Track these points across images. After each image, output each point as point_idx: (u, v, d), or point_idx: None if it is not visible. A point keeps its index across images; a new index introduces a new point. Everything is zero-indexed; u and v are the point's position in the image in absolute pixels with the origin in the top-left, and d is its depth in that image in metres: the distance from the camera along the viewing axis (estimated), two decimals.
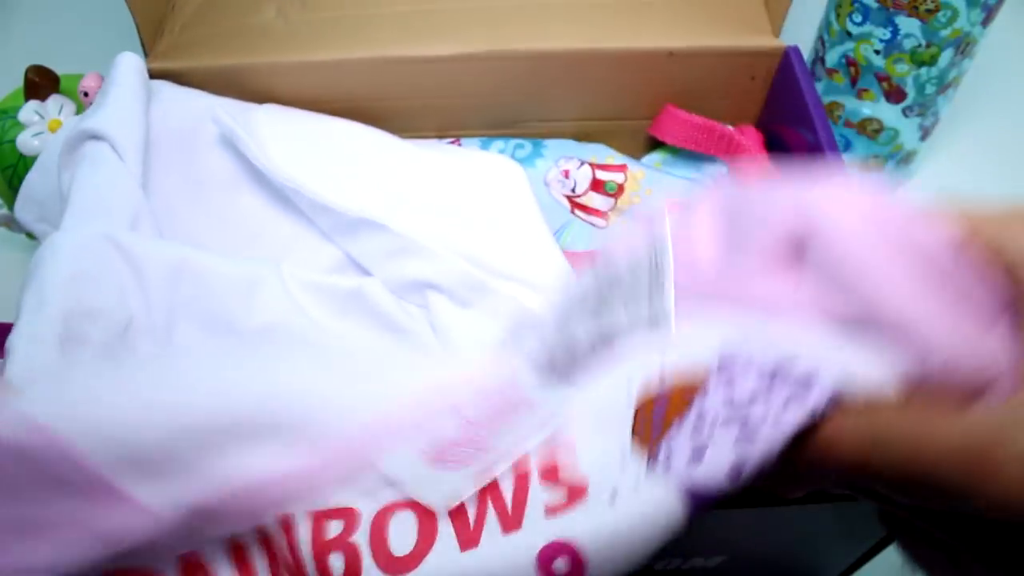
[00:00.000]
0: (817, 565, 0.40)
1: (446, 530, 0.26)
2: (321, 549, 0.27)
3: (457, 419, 0.27)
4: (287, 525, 0.26)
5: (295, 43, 0.48)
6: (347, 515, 0.27)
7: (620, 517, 0.25)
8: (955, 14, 0.46)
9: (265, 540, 0.27)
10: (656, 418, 0.26)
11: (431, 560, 0.26)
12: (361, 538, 0.27)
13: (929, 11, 0.47)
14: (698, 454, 0.25)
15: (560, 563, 0.25)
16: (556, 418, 0.27)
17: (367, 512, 0.27)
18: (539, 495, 0.26)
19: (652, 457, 0.25)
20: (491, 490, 0.26)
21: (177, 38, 0.48)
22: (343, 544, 0.27)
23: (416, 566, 0.26)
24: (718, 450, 0.25)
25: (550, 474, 0.26)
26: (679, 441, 0.26)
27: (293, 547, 0.26)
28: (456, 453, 0.27)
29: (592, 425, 0.26)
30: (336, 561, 0.27)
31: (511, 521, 0.26)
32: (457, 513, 0.26)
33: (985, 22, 0.47)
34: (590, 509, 0.25)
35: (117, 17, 0.51)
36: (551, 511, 0.26)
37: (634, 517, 0.24)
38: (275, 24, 0.49)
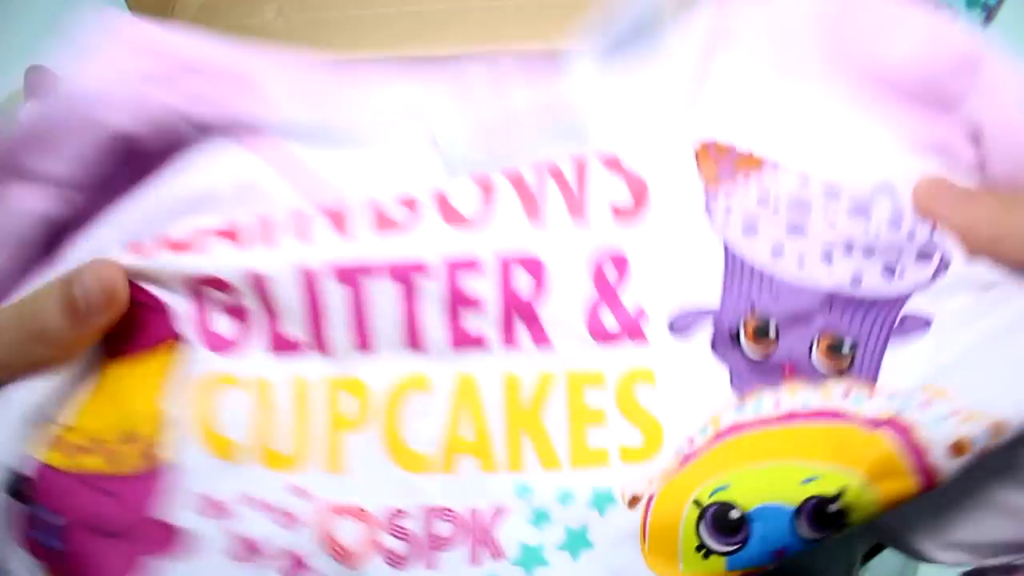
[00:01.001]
0: (817, 565, 0.40)
1: (507, 192, 0.27)
2: None
3: None
4: None
5: (295, 44, 0.47)
6: None
7: (669, 249, 0.28)
8: (955, 14, 0.46)
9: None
10: (726, 159, 0.28)
11: (492, 226, 0.27)
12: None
13: None
14: (750, 225, 0.28)
15: (611, 272, 0.28)
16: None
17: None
18: (603, 185, 0.27)
19: (711, 197, 0.28)
20: (550, 166, 0.27)
21: None
22: None
23: (479, 225, 0.27)
24: (765, 232, 0.28)
25: (612, 163, 0.28)
26: (739, 200, 0.28)
27: None
28: None
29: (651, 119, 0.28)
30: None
31: (576, 210, 0.27)
32: (518, 181, 0.27)
33: (985, 21, 0.47)
34: (643, 232, 0.28)
35: None
36: (617, 213, 0.27)
37: (683, 252, 0.28)
38: (275, 24, 0.49)
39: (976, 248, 0.27)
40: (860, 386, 0.28)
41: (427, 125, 0.28)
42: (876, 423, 0.26)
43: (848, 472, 0.26)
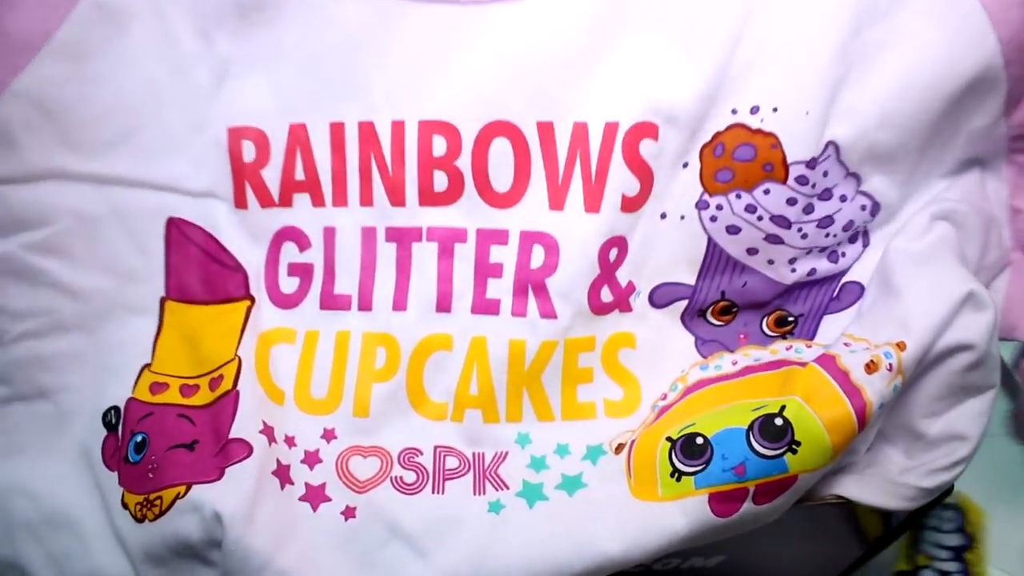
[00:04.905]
0: (816, 565, 0.41)
1: (538, 181, 0.33)
2: (426, 163, 0.33)
3: None
4: (398, 129, 0.33)
5: None
6: (451, 133, 0.33)
7: (661, 231, 0.34)
8: None
9: (370, 137, 0.33)
10: (736, 159, 0.33)
11: (521, 208, 0.33)
12: (464, 163, 0.33)
13: None
14: (734, 226, 0.34)
15: (613, 253, 0.34)
16: None
17: (469, 134, 0.33)
18: (619, 178, 0.33)
19: (707, 193, 0.33)
20: (580, 144, 0.33)
21: None
22: (448, 165, 0.33)
23: (511, 206, 0.33)
24: (747, 234, 0.34)
25: (632, 155, 0.33)
26: (732, 205, 0.33)
27: (398, 154, 0.33)
28: None
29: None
30: (440, 178, 0.33)
31: (592, 201, 0.33)
32: (550, 168, 0.33)
33: None
34: (644, 216, 0.34)
35: None
36: (626, 202, 0.33)
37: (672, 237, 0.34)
38: None
39: None
40: (800, 341, 0.34)
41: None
42: (808, 362, 0.32)
43: (789, 397, 0.31)
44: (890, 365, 0.30)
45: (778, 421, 0.30)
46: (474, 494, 0.32)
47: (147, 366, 0.34)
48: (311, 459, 0.33)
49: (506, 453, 0.33)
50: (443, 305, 0.34)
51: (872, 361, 0.31)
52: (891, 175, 0.34)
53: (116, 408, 0.33)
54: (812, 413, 0.30)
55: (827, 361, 0.31)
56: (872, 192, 0.34)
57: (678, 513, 0.31)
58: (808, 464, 0.30)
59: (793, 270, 0.35)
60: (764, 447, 0.30)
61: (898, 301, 0.32)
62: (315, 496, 0.32)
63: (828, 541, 0.38)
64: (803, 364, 0.32)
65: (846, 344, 0.32)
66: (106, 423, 0.33)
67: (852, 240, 0.35)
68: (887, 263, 0.33)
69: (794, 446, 0.30)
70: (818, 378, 0.31)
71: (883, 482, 0.32)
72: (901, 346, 0.31)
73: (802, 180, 0.33)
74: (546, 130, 0.33)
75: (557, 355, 0.34)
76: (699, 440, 0.32)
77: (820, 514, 0.34)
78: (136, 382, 0.33)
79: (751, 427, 0.31)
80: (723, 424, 0.32)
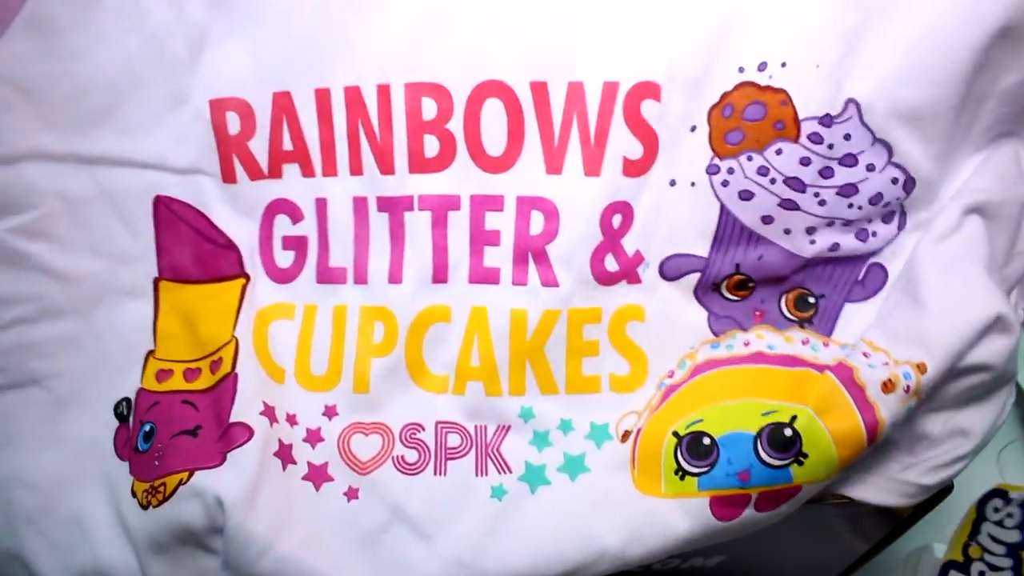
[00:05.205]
0: (816, 565, 0.42)
1: (533, 144, 0.32)
2: (416, 127, 0.32)
3: None
4: (384, 93, 0.31)
5: None
6: (442, 95, 0.32)
7: (671, 199, 0.32)
8: None
9: (357, 102, 0.32)
10: (745, 119, 0.31)
11: (516, 172, 0.32)
12: (456, 126, 0.32)
13: None
14: (747, 191, 0.32)
15: (617, 219, 0.32)
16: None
17: (460, 95, 0.31)
18: (620, 140, 0.31)
19: (717, 157, 0.32)
20: (577, 104, 0.31)
21: None
22: (439, 128, 0.32)
23: (505, 170, 0.32)
24: (760, 200, 0.32)
25: (634, 117, 0.31)
26: (744, 168, 0.32)
27: (386, 119, 0.31)
28: None
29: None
30: (431, 143, 0.32)
31: (592, 164, 0.32)
32: (545, 130, 0.32)
33: None
34: (651, 183, 0.32)
35: None
36: (628, 166, 0.32)
37: (682, 204, 0.32)
38: None
39: None
40: (817, 337, 0.33)
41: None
42: (825, 367, 0.31)
43: (801, 406, 0.31)
44: (908, 387, 0.30)
45: (787, 432, 0.30)
46: (476, 475, 0.33)
47: (151, 353, 0.33)
48: (313, 437, 0.33)
49: (508, 427, 0.33)
50: (439, 276, 0.33)
51: (890, 380, 0.30)
52: (925, 144, 0.31)
53: (128, 400, 0.33)
54: (823, 426, 0.30)
55: (844, 373, 0.31)
56: (905, 164, 0.32)
57: (679, 512, 0.31)
58: (813, 476, 0.30)
59: (812, 241, 0.33)
60: (771, 456, 0.31)
61: (923, 314, 0.30)
62: (318, 475, 0.33)
63: (828, 541, 0.39)
64: (819, 367, 0.32)
65: (865, 354, 0.31)
66: (118, 414, 0.33)
67: (886, 220, 0.33)
68: (914, 265, 0.32)
69: (801, 458, 0.30)
70: (833, 390, 0.31)
71: (884, 480, 0.33)
72: (921, 368, 0.30)
73: (815, 138, 0.31)
74: (540, 90, 0.31)
75: (560, 326, 0.33)
76: (706, 440, 0.32)
77: (820, 514, 0.34)
78: (143, 371, 0.33)
79: (759, 434, 0.31)
80: (732, 426, 0.31)
